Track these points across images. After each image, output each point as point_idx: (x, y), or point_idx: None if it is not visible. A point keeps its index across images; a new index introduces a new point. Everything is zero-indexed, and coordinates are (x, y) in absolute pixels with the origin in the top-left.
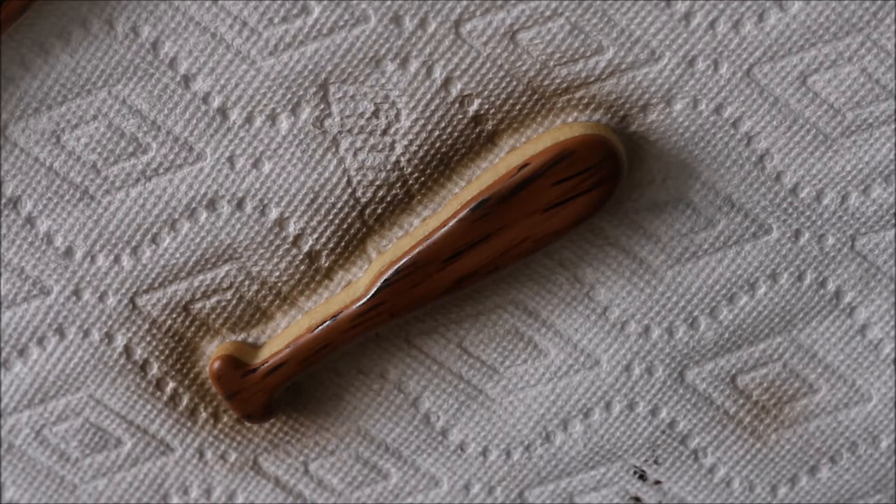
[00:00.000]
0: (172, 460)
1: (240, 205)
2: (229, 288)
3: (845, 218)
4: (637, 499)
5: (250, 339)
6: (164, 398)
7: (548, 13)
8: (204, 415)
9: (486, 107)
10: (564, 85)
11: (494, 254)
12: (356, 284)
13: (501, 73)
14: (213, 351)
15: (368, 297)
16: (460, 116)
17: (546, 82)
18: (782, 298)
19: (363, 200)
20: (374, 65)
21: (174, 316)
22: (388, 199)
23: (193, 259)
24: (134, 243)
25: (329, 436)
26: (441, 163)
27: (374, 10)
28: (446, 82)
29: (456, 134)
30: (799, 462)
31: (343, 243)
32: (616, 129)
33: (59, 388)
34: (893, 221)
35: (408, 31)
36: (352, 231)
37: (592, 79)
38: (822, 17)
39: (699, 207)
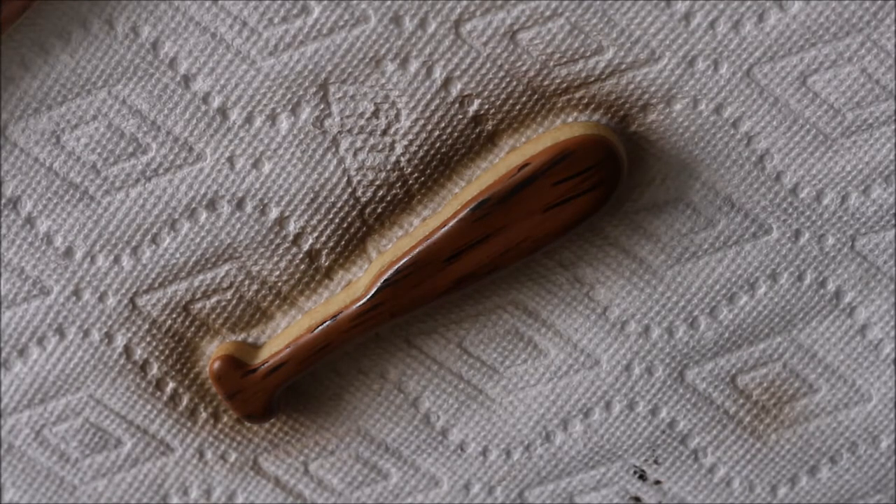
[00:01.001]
0: (172, 460)
1: (240, 205)
2: (229, 288)
3: (845, 218)
4: (637, 499)
5: (250, 339)
6: (164, 398)
7: (548, 13)
8: (204, 415)
9: (486, 107)
10: (564, 85)
11: (494, 254)
12: (356, 284)
13: (501, 74)
14: (213, 351)
15: (368, 297)
16: (460, 116)
17: (546, 82)
18: (782, 298)
19: (363, 200)
20: (374, 65)
21: (174, 316)
22: (388, 198)
23: (193, 259)
24: (134, 243)
25: (329, 436)
26: (441, 163)
27: (374, 10)
28: (446, 82)
29: (456, 134)
30: (799, 462)
31: (343, 243)
32: (616, 129)
33: (58, 388)
34: (893, 221)
35: (408, 31)
36: (352, 230)
37: (592, 79)
38: (822, 17)
39: (699, 207)
